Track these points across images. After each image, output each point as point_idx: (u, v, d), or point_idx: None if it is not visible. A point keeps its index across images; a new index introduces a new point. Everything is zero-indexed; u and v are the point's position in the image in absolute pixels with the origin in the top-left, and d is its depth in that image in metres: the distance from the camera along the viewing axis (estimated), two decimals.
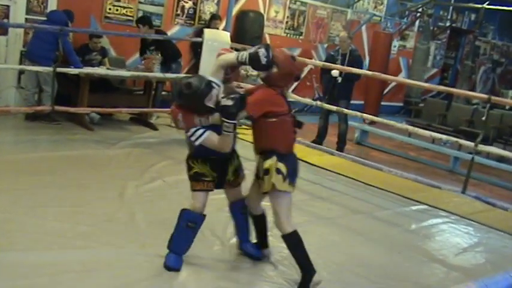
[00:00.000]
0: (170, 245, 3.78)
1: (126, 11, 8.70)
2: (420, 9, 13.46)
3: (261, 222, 4.10)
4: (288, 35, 11.27)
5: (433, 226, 5.65)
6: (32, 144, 6.36)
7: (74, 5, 7.72)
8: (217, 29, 8.99)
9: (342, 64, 8.01)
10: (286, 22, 11.19)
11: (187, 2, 9.46)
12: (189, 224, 3.73)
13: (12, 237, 3.87)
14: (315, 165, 7.11)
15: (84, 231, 4.13)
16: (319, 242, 4.69)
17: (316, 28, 11.74)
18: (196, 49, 8.13)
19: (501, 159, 8.50)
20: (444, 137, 7.04)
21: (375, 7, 12.60)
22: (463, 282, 4.36)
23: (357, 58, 8.31)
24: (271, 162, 3.62)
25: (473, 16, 15.13)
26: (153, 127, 7.89)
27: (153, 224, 4.45)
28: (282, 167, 3.62)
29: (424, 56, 13.51)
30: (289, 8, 11.15)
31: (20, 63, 7.54)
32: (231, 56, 3.70)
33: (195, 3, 9.59)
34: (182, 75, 7.99)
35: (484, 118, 7.13)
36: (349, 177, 6.76)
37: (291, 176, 3.68)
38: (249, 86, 4.48)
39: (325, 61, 8.72)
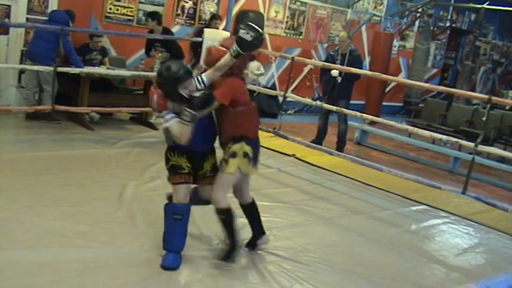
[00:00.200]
0: (164, 244, 3.81)
1: (127, 11, 8.71)
2: (420, 10, 13.46)
3: (253, 210, 4.21)
4: (288, 35, 11.27)
5: (433, 227, 5.64)
6: (32, 144, 6.36)
7: (75, 5, 7.73)
8: (218, 28, 8.99)
9: (342, 64, 8.02)
10: (286, 22, 11.19)
11: (187, 2, 9.47)
12: (174, 217, 3.76)
13: (12, 236, 3.87)
14: (314, 165, 7.11)
15: (83, 231, 4.13)
16: (319, 242, 4.69)
17: (316, 28, 11.74)
18: (196, 49, 8.12)
19: (501, 159, 8.51)
20: (444, 137, 7.04)
21: (375, 7, 12.60)
22: (464, 283, 4.34)
23: (356, 58, 8.31)
24: (239, 146, 3.79)
25: (473, 16, 15.14)
26: (153, 127, 7.89)
27: (152, 224, 4.43)
28: (249, 150, 3.82)
29: (424, 56, 13.50)
30: (289, 8, 11.15)
31: (21, 63, 7.55)
32: (226, 57, 3.70)
33: (195, 3, 9.59)
34: None
35: (484, 118, 7.13)
36: (349, 178, 6.76)
37: (255, 159, 3.88)
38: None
39: (324, 61, 8.73)
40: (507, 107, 11.55)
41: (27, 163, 5.60)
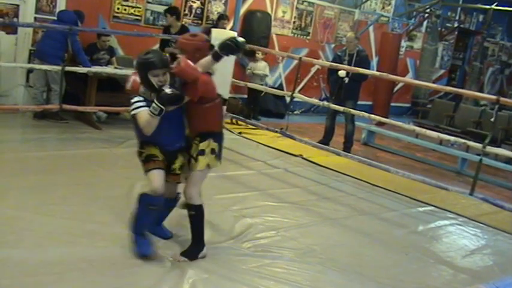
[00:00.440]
0: (133, 228, 3.83)
1: (134, 11, 8.73)
2: (428, 10, 13.41)
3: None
4: (295, 35, 11.26)
5: (440, 228, 5.63)
6: (40, 143, 6.38)
7: (83, 4, 7.76)
8: (225, 28, 8.99)
9: (349, 64, 8.00)
10: (294, 22, 11.18)
11: (195, 2, 9.48)
12: (149, 207, 3.79)
13: (20, 234, 3.89)
14: (321, 166, 7.11)
15: (91, 230, 4.14)
16: (325, 242, 4.69)
17: (323, 28, 11.72)
18: None
19: (509, 160, 8.47)
20: (452, 138, 7.01)
21: (383, 8, 12.57)
22: (471, 285, 4.34)
23: (364, 58, 8.29)
24: (207, 143, 3.86)
25: (481, 17, 15.08)
26: None
27: None
28: (215, 146, 3.91)
29: (432, 57, 13.45)
30: (297, 8, 11.14)
31: (29, 62, 7.59)
32: (208, 59, 3.84)
33: (202, 3, 9.60)
34: None
35: (492, 119, 7.10)
36: (356, 178, 6.75)
37: (219, 153, 3.97)
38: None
39: (332, 61, 8.71)
40: None
41: (35, 162, 5.62)
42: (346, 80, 8.03)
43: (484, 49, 14.90)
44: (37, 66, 7.01)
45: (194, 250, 3.96)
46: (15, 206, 4.36)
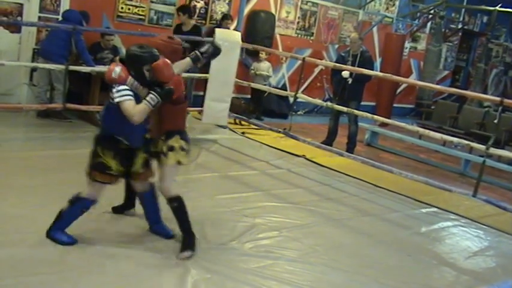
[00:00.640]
0: (57, 224, 3.86)
1: (138, 10, 8.73)
2: (432, 11, 13.39)
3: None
4: (299, 35, 11.25)
5: (443, 229, 5.62)
6: (43, 142, 6.39)
7: (87, 3, 7.77)
8: (229, 28, 8.99)
9: (353, 65, 7.99)
10: (298, 22, 11.17)
11: (198, 2, 9.48)
12: (83, 210, 3.89)
13: (23, 233, 3.90)
14: (324, 166, 7.10)
15: (93, 228, 4.14)
16: (328, 243, 4.68)
17: (327, 29, 11.71)
18: None
19: None
20: (455, 139, 7.00)
21: (387, 8, 12.55)
22: (474, 287, 4.34)
23: (367, 59, 8.28)
24: (175, 140, 3.98)
25: (485, 18, 15.04)
26: None
27: (164, 222, 4.45)
28: (184, 144, 4.04)
29: (436, 58, 13.42)
30: (301, 8, 11.13)
31: (33, 61, 7.60)
32: (186, 62, 4.06)
33: (206, 3, 9.60)
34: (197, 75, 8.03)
35: (496, 121, 7.09)
36: (359, 179, 6.74)
37: (188, 150, 4.09)
38: None
39: (335, 62, 8.70)
40: None
41: (38, 161, 5.63)
42: (350, 80, 8.02)
43: (488, 50, 14.85)
44: (41, 65, 7.02)
45: (190, 240, 4.02)
46: (18, 204, 4.37)
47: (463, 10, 14.48)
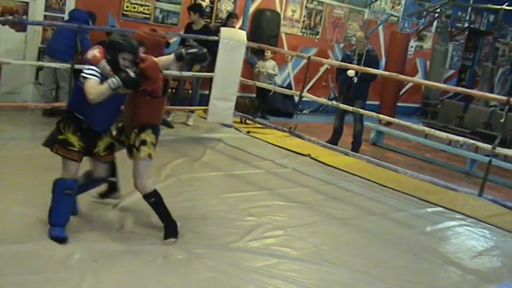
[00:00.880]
0: (51, 219, 3.89)
1: (144, 9, 8.74)
2: (438, 10, 13.34)
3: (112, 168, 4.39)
4: (305, 34, 11.25)
5: (449, 229, 5.60)
6: None
7: (92, 2, 7.78)
8: (234, 27, 8.99)
9: (358, 64, 7.97)
10: (303, 21, 11.16)
11: (204, 1, 9.48)
12: (65, 192, 3.90)
13: (29, 230, 3.91)
14: (329, 166, 7.09)
15: (99, 227, 4.16)
16: (333, 242, 4.68)
17: (332, 28, 11.70)
18: (212, 48, 8.12)
19: None
20: (461, 139, 6.97)
21: (392, 7, 12.52)
22: (479, 286, 4.33)
23: (373, 58, 8.27)
24: (148, 134, 4.05)
25: (491, 17, 14.98)
26: (169, 125, 7.92)
27: None
28: (154, 139, 4.10)
29: (443, 57, 13.38)
30: (306, 7, 11.12)
31: (39, 60, 7.61)
32: (169, 58, 4.08)
33: (212, 2, 9.61)
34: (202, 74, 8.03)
35: (502, 120, 7.06)
36: (364, 178, 6.73)
37: (155, 145, 4.15)
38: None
39: (341, 61, 8.69)
40: None
41: (44, 159, 5.60)
42: (355, 79, 8.01)
43: (495, 49, 14.79)
44: (46, 64, 7.03)
45: (171, 228, 4.12)
46: (24, 202, 4.38)
47: (470, 9, 14.43)
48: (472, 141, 6.87)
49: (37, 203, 4.38)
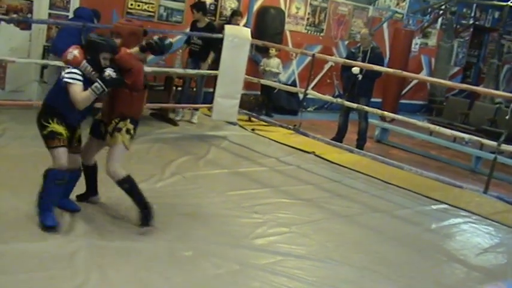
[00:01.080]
0: (41, 205, 3.96)
1: (148, 7, 8.75)
2: (443, 7, 13.30)
3: (93, 172, 4.47)
4: (309, 31, 11.23)
5: (454, 226, 5.59)
6: None
7: (97, 0, 7.78)
8: (238, 25, 8.98)
9: (363, 61, 7.95)
10: (307, 19, 11.14)
11: None
12: (57, 182, 3.96)
13: (33, 229, 3.92)
14: (334, 163, 7.08)
15: (104, 225, 4.17)
16: (338, 239, 4.68)
17: (337, 25, 11.68)
18: (216, 45, 8.13)
19: None
20: (466, 136, 6.96)
21: (397, 4, 12.49)
22: (485, 283, 4.32)
23: (378, 55, 8.25)
24: (124, 123, 4.13)
25: (497, 14, 14.92)
26: (174, 123, 7.93)
27: (173, 217, 4.48)
28: (131, 128, 4.17)
29: (448, 54, 13.33)
30: (311, 4, 11.11)
31: (43, 58, 7.63)
32: (136, 50, 4.13)
33: (216, 0, 9.60)
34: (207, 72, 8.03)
35: (507, 117, 7.05)
36: (369, 175, 6.72)
37: (133, 136, 4.24)
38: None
39: (346, 58, 8.68)
40: None
41: (49, 158, 5.63)
42: (360, 77, 7.99)
43: (500, 46, 14.72)
44: (51, 62, 7.04)
45: (146, 214, 4.15)
46: (30, 200, 4.38)
47: (475, 5, 14.37)
48: (477, 138, 6.86)
49: None
